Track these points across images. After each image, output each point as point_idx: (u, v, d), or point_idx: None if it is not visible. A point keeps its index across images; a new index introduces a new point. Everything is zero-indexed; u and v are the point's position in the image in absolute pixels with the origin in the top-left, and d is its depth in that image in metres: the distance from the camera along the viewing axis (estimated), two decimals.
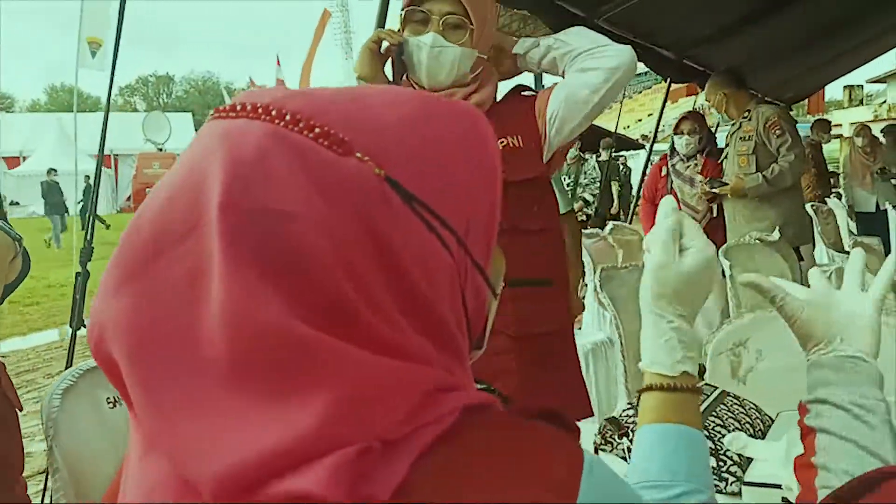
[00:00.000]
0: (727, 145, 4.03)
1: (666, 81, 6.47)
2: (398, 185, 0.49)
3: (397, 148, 0.50)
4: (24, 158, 25.84)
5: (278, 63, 15.97)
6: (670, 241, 0.73)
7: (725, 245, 3.14)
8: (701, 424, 0.71)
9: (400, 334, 0.48)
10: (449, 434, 0.47)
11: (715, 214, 4.01)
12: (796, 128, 3.92)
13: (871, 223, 6.12)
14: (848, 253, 6.21)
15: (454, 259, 0.52)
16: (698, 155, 4.17)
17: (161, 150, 25.91)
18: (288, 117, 0.49)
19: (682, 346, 0.72)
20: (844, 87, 29.62)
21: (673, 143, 4.21)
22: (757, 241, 3.26)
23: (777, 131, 3.75)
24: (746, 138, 3.90)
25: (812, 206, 6.67)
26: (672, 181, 4.20)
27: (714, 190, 3.91)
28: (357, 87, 0.56)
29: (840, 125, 21.03)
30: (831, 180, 8.36)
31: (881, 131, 7.37)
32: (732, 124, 4.14)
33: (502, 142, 1.60)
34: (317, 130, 0.48)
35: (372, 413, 0.45)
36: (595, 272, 2.43)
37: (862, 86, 29.86)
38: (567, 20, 4.16)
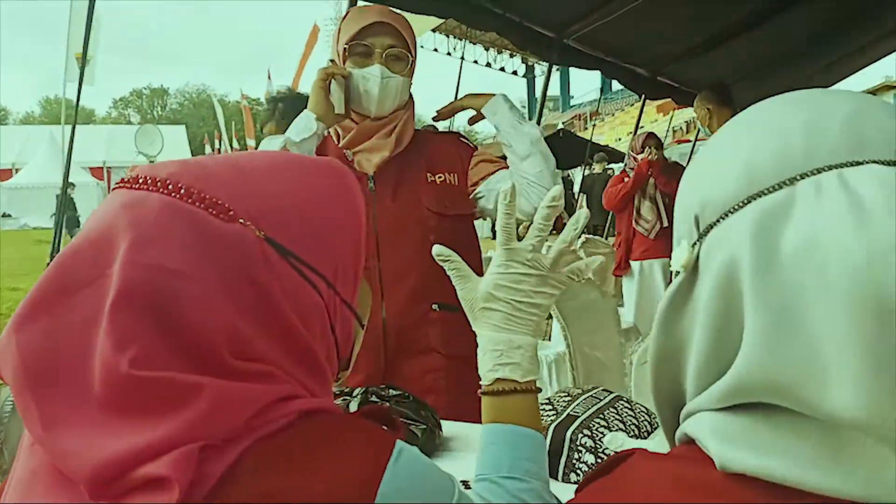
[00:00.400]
0: None
1: (640, 98, 6.56)
2: (276, 243, 0.62)
3: (275, 211, 0.64)
4: (17, 171, 25.92)
5: (269, 77, 16.17)
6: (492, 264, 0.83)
7: None
8: (531, 421, 0.80)
9: (262, 365, 0.61)
10: (279, 430, 0.59)
11: (665, 224, 4.23)
12: None
13: None
14: None
15: (324, 300, 0.66)
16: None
17: (153, 162, 25.93)
18: (182, 191, 0.61)
19: (494, 354, 0.82)
20: None
21: (635, 160, 4.44)
22: None
23: None
24: None
25: None
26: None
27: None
28: (243, 157, 0.69)
29: None
30: None
31: None
32: None
33: (440, 176, 1.70)
34: (206, 201, 0.61)
35: (216, 423, 0.57)
36: None
37: None
38: (536, 40, 4.29)
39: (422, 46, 10.48)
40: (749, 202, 0.50)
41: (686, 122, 23.13)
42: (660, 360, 0.55)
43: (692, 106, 7.67)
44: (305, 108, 1.65)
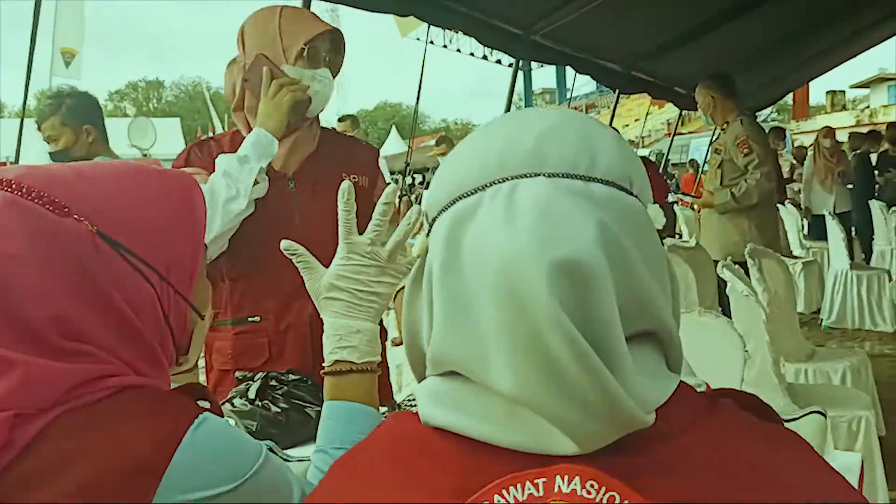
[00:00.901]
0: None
1: (614, 93, 6.63)
2: (107, 237, 0.72)
3: (111, 210, 0.75)
4: (11, 164, 25.98)
5: None
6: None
7: None
8: (367, 399, 0.90)
9: (86, 345, 0.71)
10: (94, 402, 0.67)
11: None
12: (768, 145, 3.93)
13: (825, 226, 6.29)
14: (795, 258, 6.43)
15: (157, 291, 0.76)
16: None
17: (146, 155, 25.99)
18: (24, 189, 0.72)
19: (335, 339, 0.90)
20: (827, 92, 29.96)
21: None
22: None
23: (745, 150, 3.76)
24: (717, 151, 4.00)
25: None
26: None
27: (685, 199, 4.06)
28: (90, 165, 0.81)
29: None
30: (786, 187, 8.56)
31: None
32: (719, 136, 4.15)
33: (354, 178, 1.73)
34: (45, 198, 0.72)
35: (28, 395, 0.67)
36: None
37: (844, 91, 30.20)
38: (502, 36, 4.36)
39: (417, 38, 10.46)
40: (452, 204, 0.57)
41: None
42: (408, 334, 0.64)
43: (668, 100, 7.77)
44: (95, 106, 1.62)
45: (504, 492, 0.51)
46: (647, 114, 14.78)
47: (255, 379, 1.34)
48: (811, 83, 29.33)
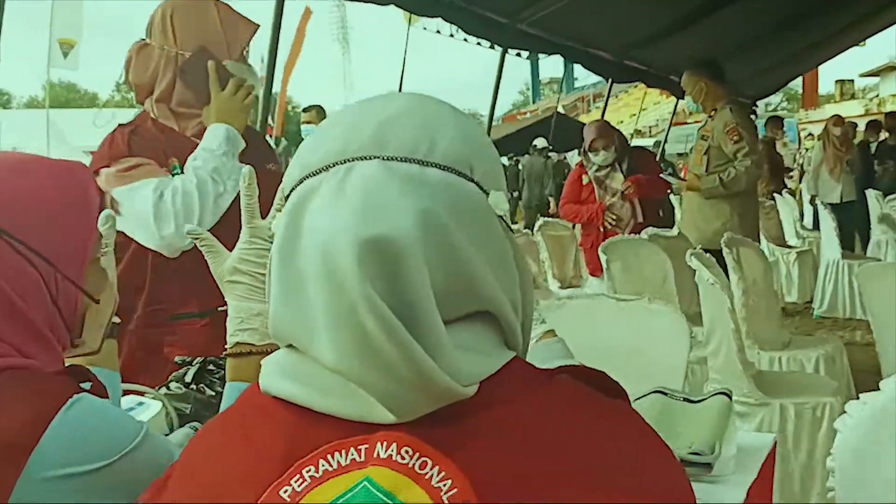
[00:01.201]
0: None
1: (607, 82, 6.60)
2: None
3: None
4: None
5: (263, 60, 16.16)
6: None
7: (605, 241, 3.33)
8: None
9: None
10: None
11: (641, 219, 3.91)
12: (756, 134, 3.95)
13: (833, 214, 6.27)
14: (790, 247, 6.42)
15: (43, 276, 0.76)
16: (616, 164, 4.00)
17: None
18: None
19: (236, 321, 0.92)
20: (836, 81, 29.69)
21: (589, 158, 4.07)
22: (637, 237, 3.45)
23: (734, 137, 3.73)
24: (704, 137, 3.95)
25: None
26: (594, 189, 4.05)
27: (670, 179, 4.03)
28: None
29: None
30: (784, 177, 8.53)
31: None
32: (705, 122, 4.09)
33: (271, 167, 1.74)
34: None
35: None
36: None
37: (853, 80, 29.93)
38: (487, 25, 4.36)
39: (424, 28, 10.42)
40: (300, 184, 0.59)
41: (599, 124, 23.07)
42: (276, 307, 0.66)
43: (665, 89, 7.72)
44: None
45: (329, 457, 0.54)
46: (656, 103, 14.70)
47: (193, 363, 1.37)
48: (820, 72, 29.12)
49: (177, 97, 1.63)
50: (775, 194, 7.35)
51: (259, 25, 1.70)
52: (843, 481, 1.05)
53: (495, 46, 4.98)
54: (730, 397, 1.18)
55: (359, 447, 0.53)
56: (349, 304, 0.51)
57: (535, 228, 4.93)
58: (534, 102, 42.63)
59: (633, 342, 1.78)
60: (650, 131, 28.33)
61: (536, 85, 45.88)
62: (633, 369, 1.75)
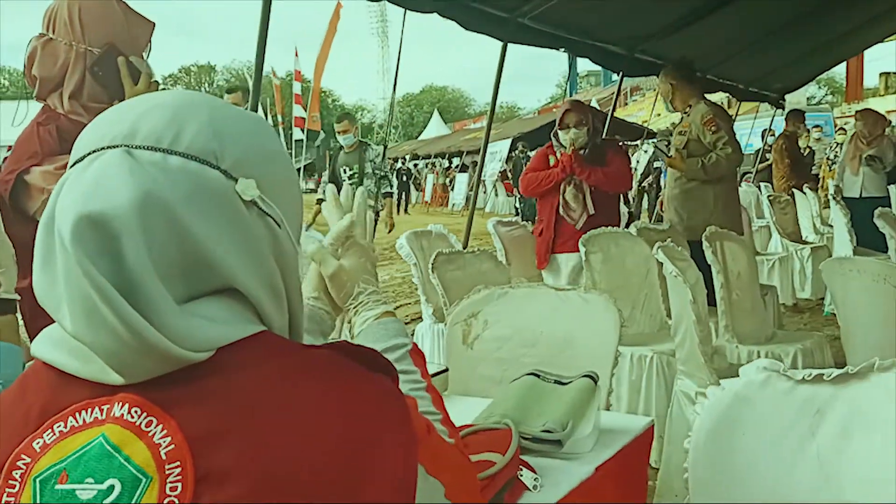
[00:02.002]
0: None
1: (618, 76, 6.56)
2: None
3: None
4: None
5: (296, 54, 16.46)
6: None
7: (586, 234, 3.36)
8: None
9: None
10: None
11: (592, 212, 3.67)
12: (732, 126, 4.02)
13: (852, 208, 6.16)
14: (805, 243, 6.33)
15: None
16: (584, 150, 3.71)
17: None
18: None
19: None
20: (880, 74, 28.87)
21: (558, 138, 3.78)
22: (617, 230, 3.47)
23: (712, 127, 3.87)
24: (682, 132, 4.06)
25: (769, 196, 6.78)
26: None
27: (659, 149, 4.16)
28: None
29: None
30: (807, 172, 8.39)
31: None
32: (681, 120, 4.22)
33: None
34: None
35: None
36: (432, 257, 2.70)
37: None
38: (487, 20, 4.39)
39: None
40: (70, 168, 0.67)
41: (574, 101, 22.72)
42: None
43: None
44: None
45: (76, 414, 0.62)
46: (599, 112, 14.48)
47: None
48: (866, 65, 28.30)
49: (88, 92, 1.70)
50: (794, 189, 7.25)
51: (154, 24, 1.78)
52: (697, 460, 1.09)
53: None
54: (595, 380, 1.22)
55: (102, 406, 0.61)
56: (76, 277, 0.58)
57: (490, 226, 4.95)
58: (571, 95, 42.40)
59: (566, 330, 1.83)
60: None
61: (574, 77, 45.46)
62: (564, 356, 1.81)
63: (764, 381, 1.09)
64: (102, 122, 0.67)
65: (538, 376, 1.25)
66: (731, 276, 3.28)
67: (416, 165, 26.45)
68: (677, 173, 4.06)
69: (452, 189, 22.22)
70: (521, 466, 1.02)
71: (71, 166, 0.67)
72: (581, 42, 5.29)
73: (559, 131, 3.76)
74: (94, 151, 0.65)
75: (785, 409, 1.06)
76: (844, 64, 26.02)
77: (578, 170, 3.67)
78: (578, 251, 3.41)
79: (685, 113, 4.05)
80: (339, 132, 5.92)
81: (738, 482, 1.06)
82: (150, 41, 1.77)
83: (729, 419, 1.09)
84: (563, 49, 5.17)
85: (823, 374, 1.05)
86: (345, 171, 5.80)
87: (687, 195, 3.97)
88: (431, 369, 1.51)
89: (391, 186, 6.02)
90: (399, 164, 22.92)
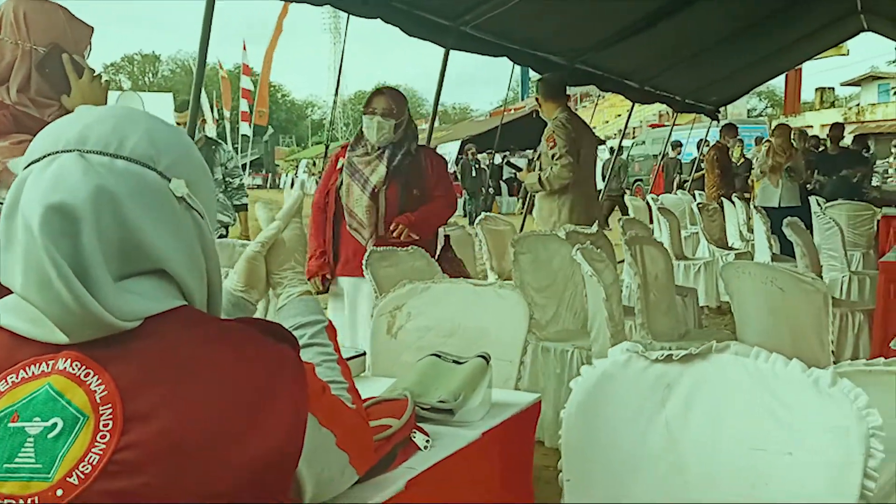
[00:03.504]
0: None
1: None
2: None
3: None
4: None
5: (244, 48, 16.44)
6: None
7: (516, 236, 3.57)
8: None
9: None
10: None
11: (382, 233, 3.05)
12: (573, 140, 4.34)
13: (772, 218, 6.51)
14: (731, 249, 6.67)
15: None
16: (385, 151, 3.05)
17: None
18: None
19: None
20: (816, 89, 30.08)
21: (361, 126, 3.16)
22: (548, 232, 3.69)
23: (551, 143, 4.33)
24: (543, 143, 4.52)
25: (699, 204, 7.12)
26: (343, 180, 3.10)
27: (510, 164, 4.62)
28: None
29: (811, 126, 21.36)
30: (735, 181, 8.80)
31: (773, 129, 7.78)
32: None
33: None
34: None
35: None
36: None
37: (833, 88, 30.34)
38: (429, 28, 4.55)
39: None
40: (28, 166, 0.81)
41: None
42: None
43: (619, 93, 7.94)
44: None
45: (27, 368, 0.77)
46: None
47: None
48: (804, 80, 29.38)
49: (35, 87, 1.82)
50: (723, 198, 7.62)
51: (93, 28, 1.93)
52: (569, 428, 1.28)
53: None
54: (487, 360, 1.41)
55: (48, 361, 0.76)
56: (37, 256, 0.74)
57: (477, 221, 5.15)
58: (522, 99, 42.89)
59: (480, 321, 2.01)
60: (633, 132, 28.61)
61: (526, 82, 45.99)
62: (478, 344, 1.98)
63: (626, 361, 1.28)
64: (54, 130, 0.82)
65: (439, 357, 1.42)
66: (649, 277, 3.51)
67: None
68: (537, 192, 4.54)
69: None
70: (415, 430, 1.19)
71: (27, 166, 0.81)
72: (522, 51, 5.48)
73: (364, 115, 3.11)
74: (50, 154, 0.80)
75: (642, 384, 1.26)
76: (784, 78, 27.18)
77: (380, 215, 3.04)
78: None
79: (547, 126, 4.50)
80: (178, 122, 4.31)
81: (600, 447, 1.25)
82: (90, 43, 1.89)
83: (596, 393, 1.28)
84: (504, 57, 5.33)
85: (672, 355, 1.25)
86: None
87: (541, 204, 4.48)
88: (348, 353, 1.67)
89: (245, 196, 4.69)
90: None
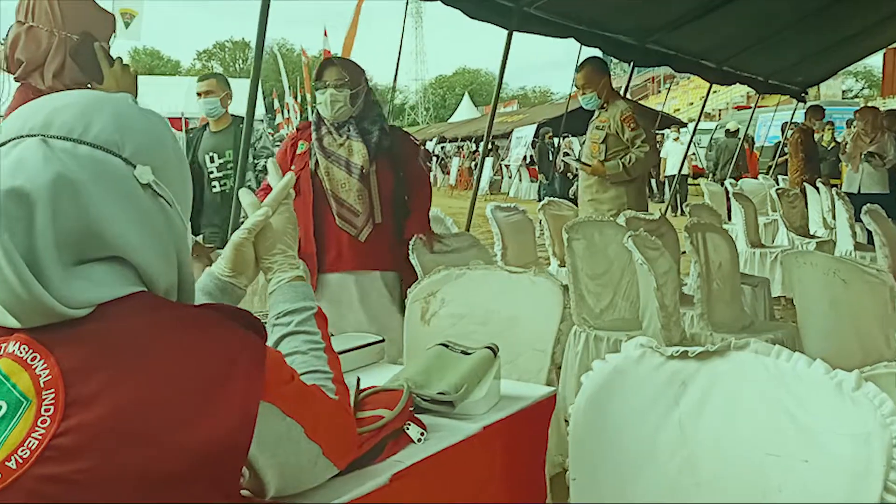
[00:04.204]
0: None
1: (629, 66, 6.59)
2: None
3: None
4: None
5: (325, 34, 16.56)
6: None
7: (570, 222, 3.46)
8: None
9: None
10: None
11: (379, 220, 2.79)
12: (650, 124, 4.18)
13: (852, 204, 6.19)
14: (811, 237, 6.35)
15: None
16: (350, 127, 2.77)
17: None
18: None
19: None
20: None
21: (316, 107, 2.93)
22: (601, 219, 3.58)
23: (631, 124, 4.04)
24: (601, 127, 4.19)
25: (777, 190, 6.80)
26: (318, 163, 2.77)
27: (573, 163, 4.31)
28: None
29: None
30: (823, 166, 8.36)
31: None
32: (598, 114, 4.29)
33: None
34: None
35: None
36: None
37: None
38: (492, 9, 4.47)
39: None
40: None
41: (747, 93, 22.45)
42: None
43: (695, 74, 7.64)
44: None
45: None
46: (715, 91, 14.43)
47: None
48: None
49: (69, 74, 1.90)
50: (806, 184, 7.26)
51: (115, 16, 1.99)
52: (577, 422, 1.22)
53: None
54: (494, 352, 1.36)
55: (1, 345, 0.76)
56: None
57: (539, 206, 5.05)
58: None
59: (513, 309, 1.96)
60: (719, 115, 27.61)
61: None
62: (509, 333, 1.94)
63: (640, 357, 1.22)
64: (21, 114, 0.82)
65: (447, 346, 1.38)
66: (712, 266, 3.37)
67: (443, 149, 26.50)
68: (588, 177, 4.25)
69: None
70: (410, 422, 1.16)
71: None
72: (590, 32, 5.34)
73: (316, 91, 2.87)
74: (15, 138, 0.80)
75: (655, 380, 1.19)
76: (881, 57, 25.51)
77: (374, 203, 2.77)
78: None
79: (602, 108, 4.20)
80: (200, 93, 3.89)
81: (608, 442, 1.20)
82: (114, 31, 1.95)
83: (606, 388, 1.22)
84: (571, 38, 5.20)
85: (689, 351, 1.18)
86: (212, 160, 3.85)
87: (599, 190, 4.19)
88: (366, 340, 1.66)
89: None
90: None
